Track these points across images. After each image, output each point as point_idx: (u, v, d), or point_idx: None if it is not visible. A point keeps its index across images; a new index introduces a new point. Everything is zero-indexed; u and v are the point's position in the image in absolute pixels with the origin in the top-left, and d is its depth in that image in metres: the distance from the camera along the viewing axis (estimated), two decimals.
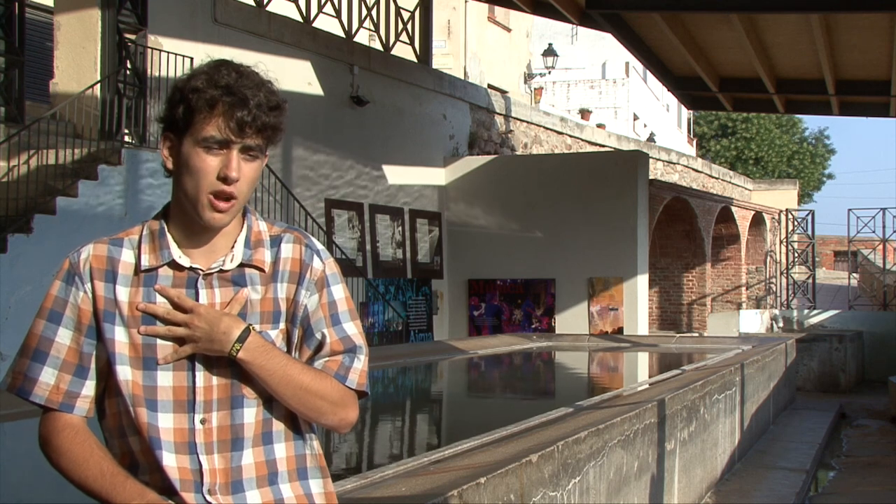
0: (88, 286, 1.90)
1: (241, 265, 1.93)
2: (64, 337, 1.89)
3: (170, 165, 1.91)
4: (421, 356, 11.17)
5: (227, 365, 1.88)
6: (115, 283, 1.90)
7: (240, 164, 1.86)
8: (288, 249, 1.96)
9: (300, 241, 1.98)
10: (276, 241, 1.97)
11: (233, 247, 1.93)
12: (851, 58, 14.04)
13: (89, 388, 1.91)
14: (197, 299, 1.89)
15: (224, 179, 1.85)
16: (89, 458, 1.86)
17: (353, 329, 1.97)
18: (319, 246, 2.01)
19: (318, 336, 1.94)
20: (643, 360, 12.41)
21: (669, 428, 6.44)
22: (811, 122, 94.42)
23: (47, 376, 1.88)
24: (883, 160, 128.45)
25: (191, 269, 1.91)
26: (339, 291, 1.98)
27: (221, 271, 1.91)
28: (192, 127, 1.85)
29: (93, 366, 1.90)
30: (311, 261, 1.96)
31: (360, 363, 1.97)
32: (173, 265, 1.91)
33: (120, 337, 1.88)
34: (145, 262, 1.91)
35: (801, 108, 20.30)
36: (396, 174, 15.95)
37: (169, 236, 1.92)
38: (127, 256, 1.92)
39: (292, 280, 1.95)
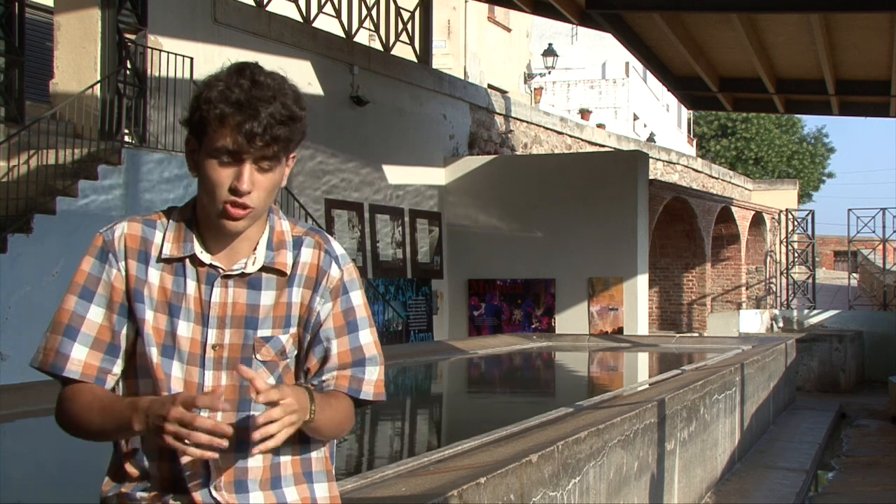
0: (122, 264, 1.91)
1: (263, 268, 1.93)
2: (96, 315, 1.90)
3: (192, 168, 1.92)
4: (421, 356, 11.16)
5: (235, 369, 1.89)
6: (148, 265, 1.91)
7: (252, 176, 1.85)
8: (307, 254, 1.96)
9: (320, 246, 1.97)
10: (297, 243, 1.97)
11: (255, 249, 1.93)
12: (851, 58, 14.04)
13: (119, 366, 1.92)
14: (210, 297, 1.90)
15: (235, 191, 1.84)
16: (93, 398, 1.87)
17: (368, 338, 1.98)
18: (340, 251, 2.00)
19: (326, 345, 1.94)
20: (643, 360, 12.40)
21: (669, 428, 6.44)
22: (810, 122, 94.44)
23: (80, 353, 1.88)
24: (883, 160, 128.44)
25: (211, 265, 1.91)
26: (356, 298, 1.98)
27: (242, 274, 1.92)
28: (205, 137, 1.85)
29: (123, 345, 1.92)
30: (328, 267, 1.96)
31: (375, 374, 1.98)
32: (194, 259, 1.91)
33: (149, 318, 1.89)
34: (167, 251, 1.91)
35: (801, 108, 20.31)
36: (396, 174, 15.95)
37: (194, 230, 1.93)
38: (159, 239, 1.93)
39: (308, 286, 1.95)
